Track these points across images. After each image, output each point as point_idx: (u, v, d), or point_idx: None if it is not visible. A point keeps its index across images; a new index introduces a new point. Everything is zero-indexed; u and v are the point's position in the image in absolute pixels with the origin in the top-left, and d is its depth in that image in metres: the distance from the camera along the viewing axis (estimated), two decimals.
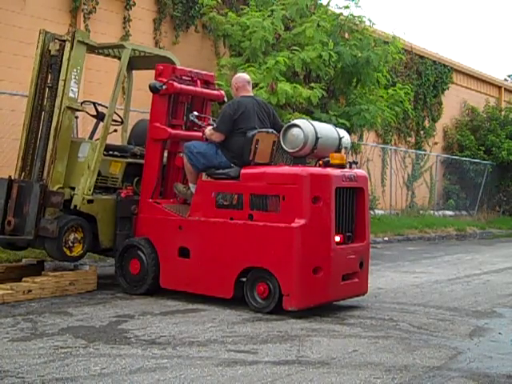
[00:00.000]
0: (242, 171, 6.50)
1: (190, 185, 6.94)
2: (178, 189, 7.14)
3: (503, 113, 23.31)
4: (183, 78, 7.18)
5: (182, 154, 7.02)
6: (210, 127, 6.85)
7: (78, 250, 6.97)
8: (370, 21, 13.56)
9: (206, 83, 7.48)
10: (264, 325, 5.74)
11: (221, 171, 6.62)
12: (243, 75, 7.26)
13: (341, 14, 13.46)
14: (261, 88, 11.26)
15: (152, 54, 8.11)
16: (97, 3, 10.90)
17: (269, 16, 12.15)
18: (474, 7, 67.50)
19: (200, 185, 6.75)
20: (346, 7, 13.43)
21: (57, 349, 4.72)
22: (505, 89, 25.58)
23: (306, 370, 4.45)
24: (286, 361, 4.65)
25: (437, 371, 4.53)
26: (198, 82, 7.35)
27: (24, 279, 6.72)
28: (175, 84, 6.98)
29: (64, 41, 7.09)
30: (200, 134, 7.02)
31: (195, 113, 7.12)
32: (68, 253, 6.89)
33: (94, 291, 7.01)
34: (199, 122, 7.09)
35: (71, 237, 6.87)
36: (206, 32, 13.07)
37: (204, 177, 6.75)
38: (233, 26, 12.21)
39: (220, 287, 6.45)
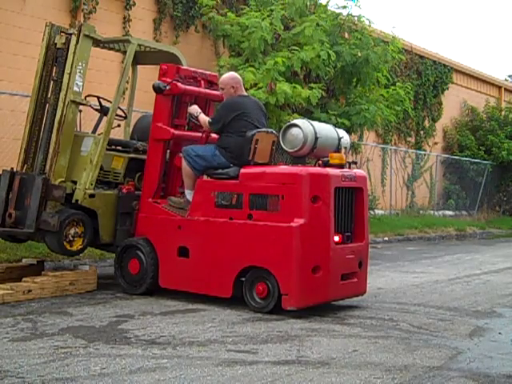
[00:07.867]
0: (242, 171, 6.50)
1: (186, 191, 6.88)
2: (172, 201, 7.01)
3: (503, 113, 23.30)
4: (187, 78, 7.14)
5: (181, 155, 7.00)
6: (207, 118, 6.83)
7: (78, 244, 6.96)
8: (369, 20, 13.62)
9: (210, 83, 7.45)
10: (264, 325, 5.74)
11: (220, 171, 6.62)
12: (236, 74, 7.22)
13: (340, 13, 13.48)
14: (259, 88, 11.26)
15: (157, 49, 8.06)
16: (97, 3, 10.90)
17: (268, 16, 12.14)
18: (474, 7, 67.55)
19: (199, 184, 6.74)
20: (345, 7, 13.46)
21: (57, 349, 4.72)
22: (505, 89, 25.59)
23: (306, 370, 4.45)
24: (286, 361, 4.65)
25: (437, 371, 4.53)
26: (202, 82, 7.32)
27: (24, 279, 6.72)
28: (179, 85, 6.93)
29: (70, 34, 7.07)
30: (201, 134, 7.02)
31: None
32: (68, 247, 6.88)
33: (94, 291, 7.01)
34: (197, 122, 7.07)
35: (72, 231, 6.86)
36: (205, 32, 13.07)
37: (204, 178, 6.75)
38: (232, 26, 12.20)
39: (219, 287, 6.45)
